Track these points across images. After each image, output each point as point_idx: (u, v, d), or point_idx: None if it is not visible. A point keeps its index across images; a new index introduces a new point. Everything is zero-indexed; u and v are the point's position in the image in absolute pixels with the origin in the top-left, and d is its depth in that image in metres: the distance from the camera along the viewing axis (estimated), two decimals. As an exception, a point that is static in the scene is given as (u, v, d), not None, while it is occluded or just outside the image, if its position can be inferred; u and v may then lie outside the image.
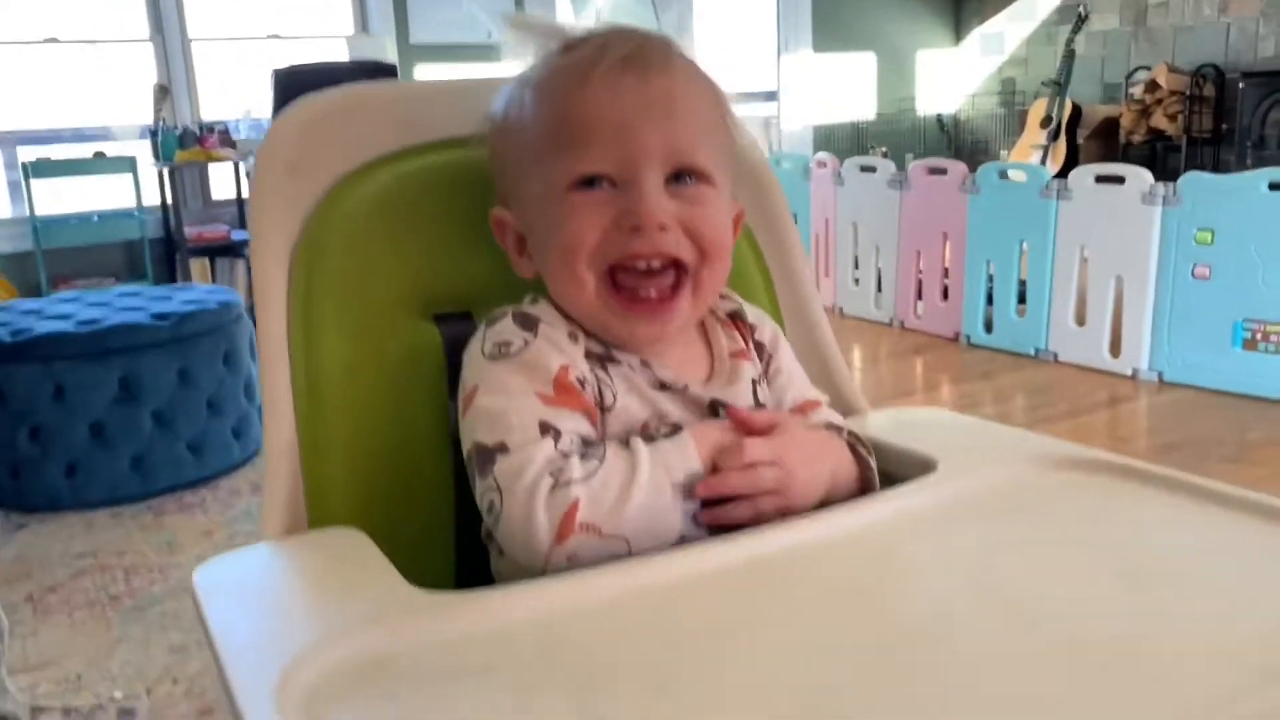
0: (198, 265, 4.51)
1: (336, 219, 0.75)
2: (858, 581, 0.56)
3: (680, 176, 0.70)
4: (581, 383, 0.69)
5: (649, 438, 0.67)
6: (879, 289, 4.19)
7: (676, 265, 0.70)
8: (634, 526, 0.62)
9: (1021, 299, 3.64)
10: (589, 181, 0.69)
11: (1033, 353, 3.58)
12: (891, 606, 0.53)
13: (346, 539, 0.64)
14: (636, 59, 0.70)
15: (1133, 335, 3.30)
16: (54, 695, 1.74)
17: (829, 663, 0.48)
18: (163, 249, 4.69)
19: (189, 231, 4.50)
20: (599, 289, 0.70)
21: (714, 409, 0.73)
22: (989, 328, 3.74)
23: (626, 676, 0.48)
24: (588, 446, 0.66)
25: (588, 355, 0.71)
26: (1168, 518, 0.63)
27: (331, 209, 0.75)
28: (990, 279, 3.72)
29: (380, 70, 3.94)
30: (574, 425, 0.66)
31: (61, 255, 4.45)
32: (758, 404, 0.75)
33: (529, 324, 0.71)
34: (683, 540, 0.63)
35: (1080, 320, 3.46)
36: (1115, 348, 3.35)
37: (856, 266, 4.30)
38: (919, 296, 4.02)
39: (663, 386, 0.72)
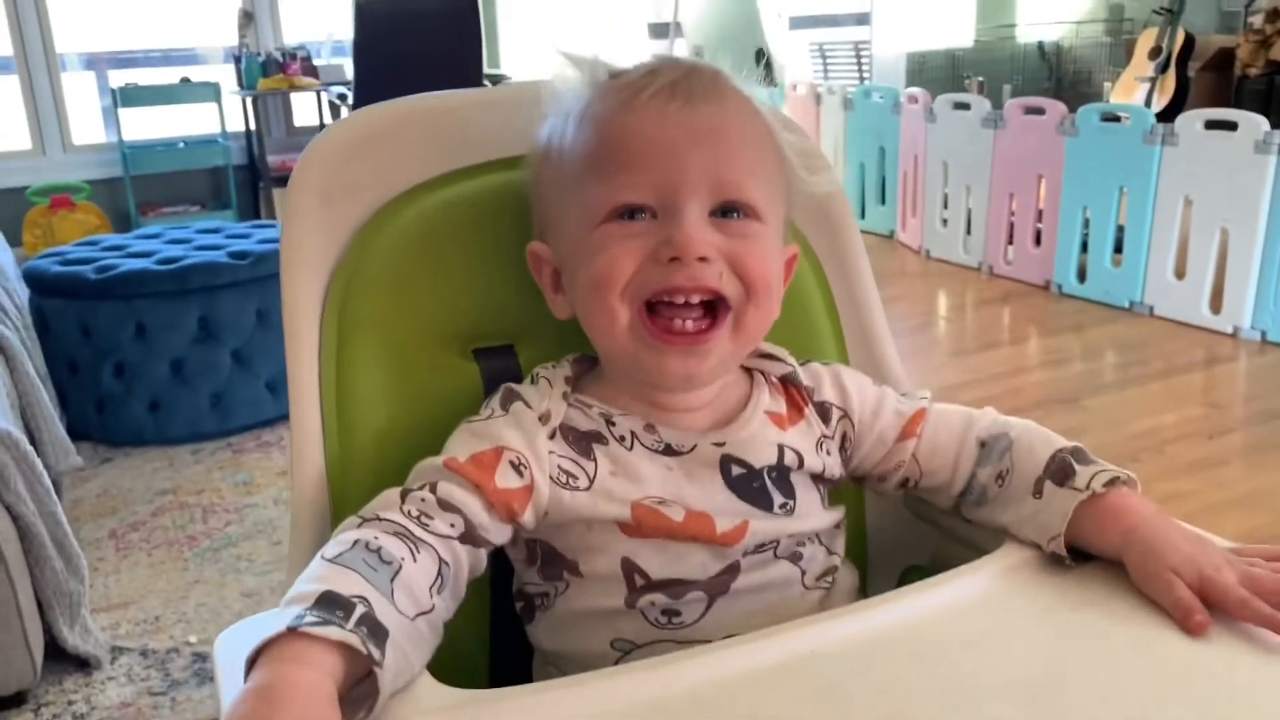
0: (280, 194, 4.56)
1: (373, 252, 0.71)
2: (902, 701, 0.51)
3: (726, 211, 0.66)
4: (518, 465, 0.65)
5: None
6: (968, 231, 4.04)
7: (719, 301, 0.65)
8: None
9: (1118, 248, 3.48)
10: (629, 213, 0.65)
11: (1127, 305, 3.42)
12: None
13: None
14: (684, 86, 0.66)
15: (1236, 290, 3.13)
16: (133, 636, 1.80)
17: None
18: (246, 176, 4.75)
19: (272, 160, 4.54)
20: (633, 322, 0.66)
21: (726, 467, 0.68)
22: (1082, 276, 3.59)
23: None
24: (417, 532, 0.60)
25: (572, 435, 0.68)
26: None
27: (367, 242, 0.71)
28: (1086, 225, 3.56)
29: (461, 2, 3.86)
30: (456, 494, 0.62)
31: (149, 182, 4.53)
32: (783, 464, 0.70)
33: (508, 400, 0.69)
34: None
35: (1180, 273, 3.29)
36: (1216, 303, 3.19)
37: (945, 206, 4.15)
38: (1010, 241, 3.87)
39: (668, 450, 0.68)
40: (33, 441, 1.77)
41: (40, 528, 1.62)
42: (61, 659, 1.70)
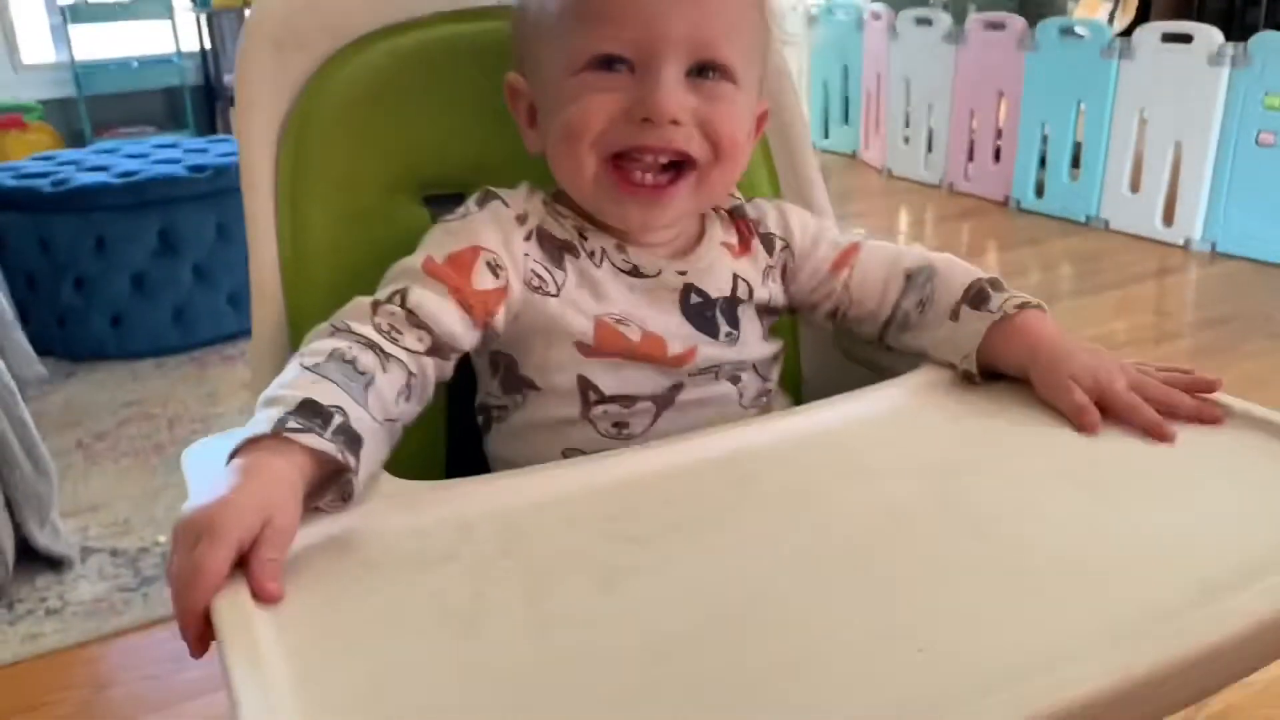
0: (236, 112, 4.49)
1: (325, 98, 0.74)
2: (815, 482, 0.56)
3: (703, 70, 0.68)
4: (494, 266, 0.68)
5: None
6: (929, 149, 4.07)
7: (685, 160, 0.68)
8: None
9: (1075, 163, 3.52)
10: (606, 63, 0.67)
11: (1084, 219, 3.48)
12: (844, 509, 0.54)
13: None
14: None
15: (1188, 203, 3.19)
16: (103, 538, 1.83)
17: (775, 562, 0.49)
18: (202, 96, 4.67)
19: (228, 80, 4.47)
20: (598, 173, 0.69)
21: (685, 295, 0.72)
22: (1040, 192, 3.64)
23: (576, 571, 0.49)
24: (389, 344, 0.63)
25: (547, 241, 0.71)
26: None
27: (320, 88, 0.74)
28: (1044, 141, 3.60)
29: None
30: (429, 304, 0.65)
31: (103, 102, 4.45)
32: (735, 297, 0.74)
33: (485, 199, 0.71)
34: None
35: (1135, 187, 3.35)
36: (1169, 216, 3.25)
37: (907, 125, 4.17)
38: (970, 158, 3.90)
39: (634, 272, 0.72)
40: (-5, 347, 1.78)
41: (7, 430, 1.63)
42: (33, 559, 1.73)
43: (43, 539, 1.72)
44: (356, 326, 0.63)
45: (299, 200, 0.73)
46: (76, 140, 4.31)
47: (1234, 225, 3.10)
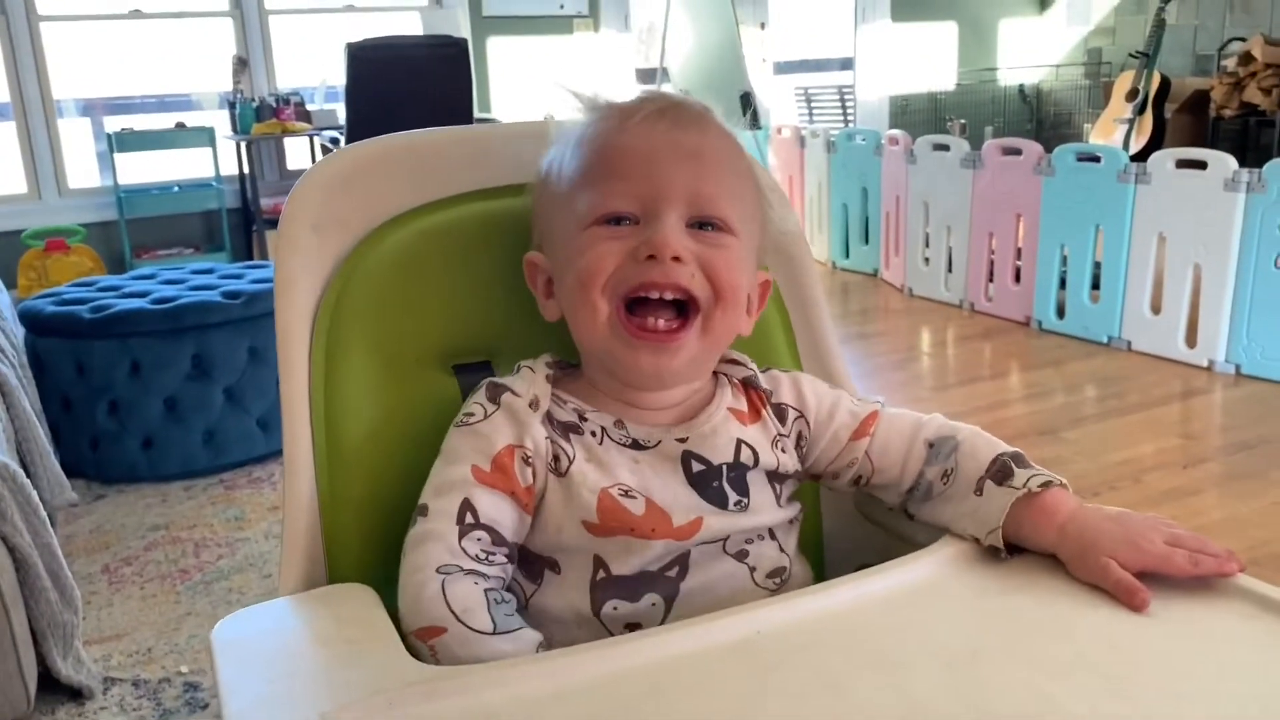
0: (273, 236, 4.61)
1: (358, 277, 0.77)
2: (834, 673, 0.56)
3: (703, 224, 0.72)
4: (527, 459, 0.72)
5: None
6: (949, 269, 4.11)
7: (689, 302, 0.72)
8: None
9: (1095, 284, 3.55)
10: (615, 219, 0.72)
11: (1105, 340, 3.49)
12: (864, 704, 0.53)
13: (356, 599, 0.68)
14: (672, 112, 0.73)
15: (1210, 325, 3.20)
16: (125, 667, 1.83)
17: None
18: (240, 219, 4.82)
19: (265, 203, 4.61)
20: (611, 317, 0.72)
21: (686, 462, 0.74)
22: (1061, 313, 3.66)
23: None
24: (496, 549, 0.70)
25: (552, 422, 0.74)
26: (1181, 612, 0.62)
27: (353, 268, 0.77)
28: (1064, 262, 3.63)
29: (450, 45, 3.96)
30: (494, 510, 0.70)
31: (143, 225, 4.59)
32: (739, 462, 0.76)
33: (495, 393, 0.74)
34: None
35: (1156, 308, 3.36)
36: (1191, 338, 3.26)
37: (927, 245, 4.23)
38: (990, 278, 3.94)
39: (634, 445, 0.74)
40: (29, 475, 1.81)
41: (36, 559, 1.65)
42: (55, 689, 1.72)
43: (65, 669, 1.72)
44: (465, 564, 0.69)
45: (332, 372, 0.75)
46: (116, 262, 4.44)
47: (1257, 347, 3.10)
